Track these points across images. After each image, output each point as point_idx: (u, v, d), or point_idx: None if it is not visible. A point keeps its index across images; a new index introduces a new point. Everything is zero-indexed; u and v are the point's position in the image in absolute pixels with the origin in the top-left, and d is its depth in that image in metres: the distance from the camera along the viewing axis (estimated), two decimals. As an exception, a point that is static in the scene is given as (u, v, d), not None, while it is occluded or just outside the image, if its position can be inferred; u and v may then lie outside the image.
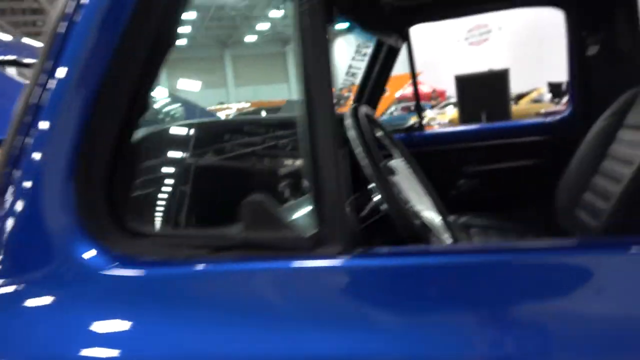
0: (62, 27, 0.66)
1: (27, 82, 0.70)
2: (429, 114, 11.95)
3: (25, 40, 4.43)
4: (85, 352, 0.61)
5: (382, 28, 1.81)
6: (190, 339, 0.59)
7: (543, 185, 1.74)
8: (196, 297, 0.62)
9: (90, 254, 0.64)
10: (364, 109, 1.26)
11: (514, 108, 9.47)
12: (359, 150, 1.01)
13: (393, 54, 2.06)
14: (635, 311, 0.55)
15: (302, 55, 0.61)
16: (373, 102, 2.15)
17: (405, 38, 2.03)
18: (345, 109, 1.32)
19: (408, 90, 11.62)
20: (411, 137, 2.17)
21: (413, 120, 2.31)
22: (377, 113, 2.13)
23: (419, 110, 2.26)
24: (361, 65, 2.59)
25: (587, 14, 1.71)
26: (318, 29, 0.61)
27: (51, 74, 0.66)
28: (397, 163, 1.30)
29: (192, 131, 1.36)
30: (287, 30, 23.63)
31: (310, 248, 0.61)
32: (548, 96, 12.61)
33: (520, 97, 12.73)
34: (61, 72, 0.66)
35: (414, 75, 2.18)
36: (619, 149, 1.43)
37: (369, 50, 2.06)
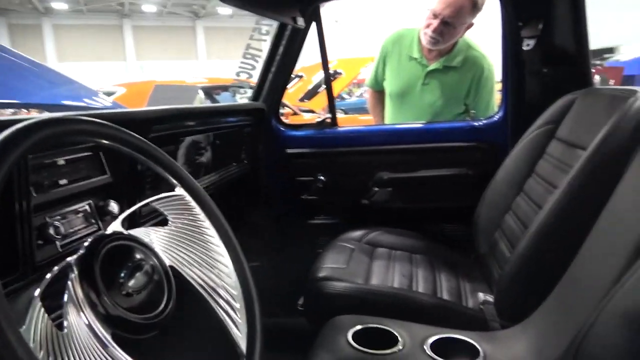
0: None
1: None
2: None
3: None
4: None
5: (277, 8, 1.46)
6: None
7: (468, 198, 1.50)
8: None
9: None
10: None
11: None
12: None
13: (300, 34, 1.71)
14: None
15: None
16: (278, 92, 1.84)
17: (312, 18, 1.69)
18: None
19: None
20: (323, 134, 1.84)
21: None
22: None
23: (332, 103, 1.91)
24: (262, 47, 2.17)
25: (524, 1, 1.47)
26: None
27: None
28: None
29: None
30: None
31: None
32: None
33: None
34: None
35: (324, 61, 1.82)
36: (546, 167, 1.22)
37: (272, 29, 1.69)
